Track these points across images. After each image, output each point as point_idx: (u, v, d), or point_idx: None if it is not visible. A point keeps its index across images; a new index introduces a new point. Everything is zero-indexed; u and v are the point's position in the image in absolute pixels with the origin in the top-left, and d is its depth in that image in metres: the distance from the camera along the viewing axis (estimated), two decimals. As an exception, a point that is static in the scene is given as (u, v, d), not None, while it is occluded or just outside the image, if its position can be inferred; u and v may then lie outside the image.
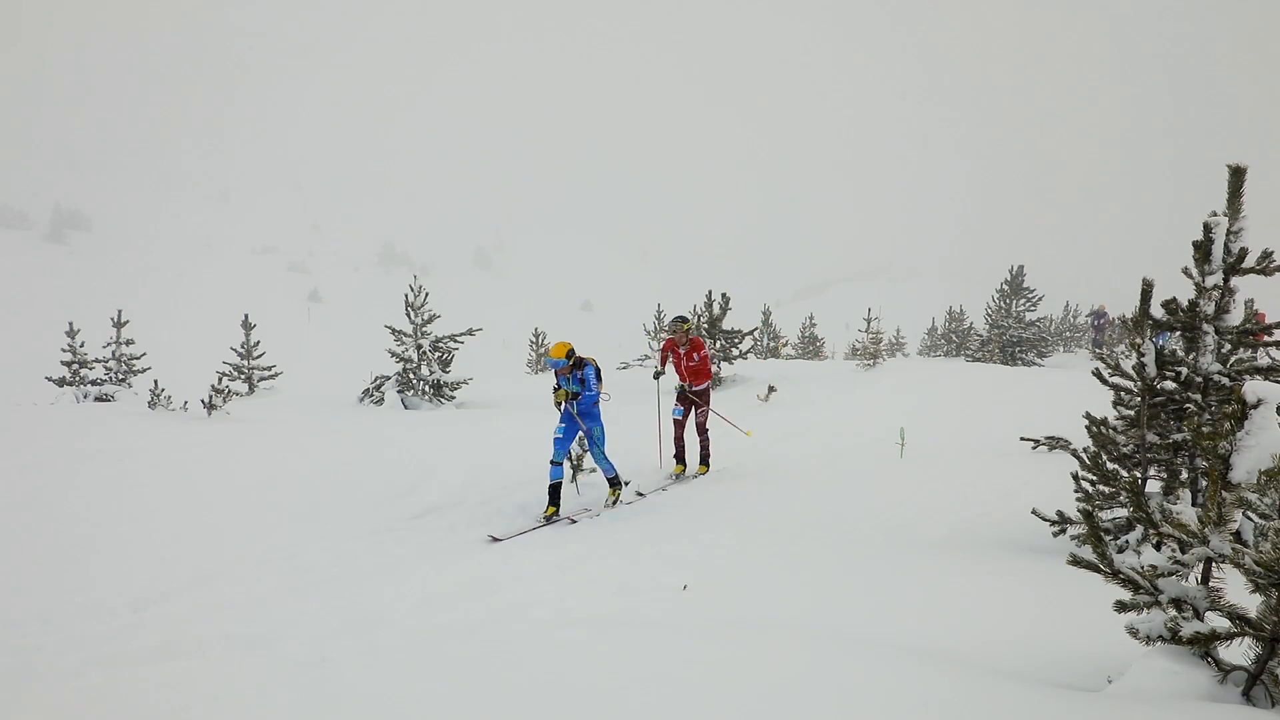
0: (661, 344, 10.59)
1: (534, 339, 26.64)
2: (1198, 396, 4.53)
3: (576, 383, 7.33)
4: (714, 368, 8.82)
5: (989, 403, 12.69)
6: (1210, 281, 4.37)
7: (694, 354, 8.72)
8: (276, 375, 18.77)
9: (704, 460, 8.84)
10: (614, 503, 7.46)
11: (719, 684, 2.65)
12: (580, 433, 7.48)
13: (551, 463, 7.17)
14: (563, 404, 7.26)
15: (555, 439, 7.25)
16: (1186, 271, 4.45)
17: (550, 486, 7.10)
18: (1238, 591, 2.51)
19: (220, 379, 15.20)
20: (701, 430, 8.77)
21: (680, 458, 8.78)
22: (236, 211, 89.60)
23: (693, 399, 8.74)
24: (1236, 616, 2.38)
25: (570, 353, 7.27)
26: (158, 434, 9.92)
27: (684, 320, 8.88)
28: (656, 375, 8.98)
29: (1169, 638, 2.44)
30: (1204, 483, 4.63)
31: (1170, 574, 2.53)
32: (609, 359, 18.20)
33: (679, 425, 8.78)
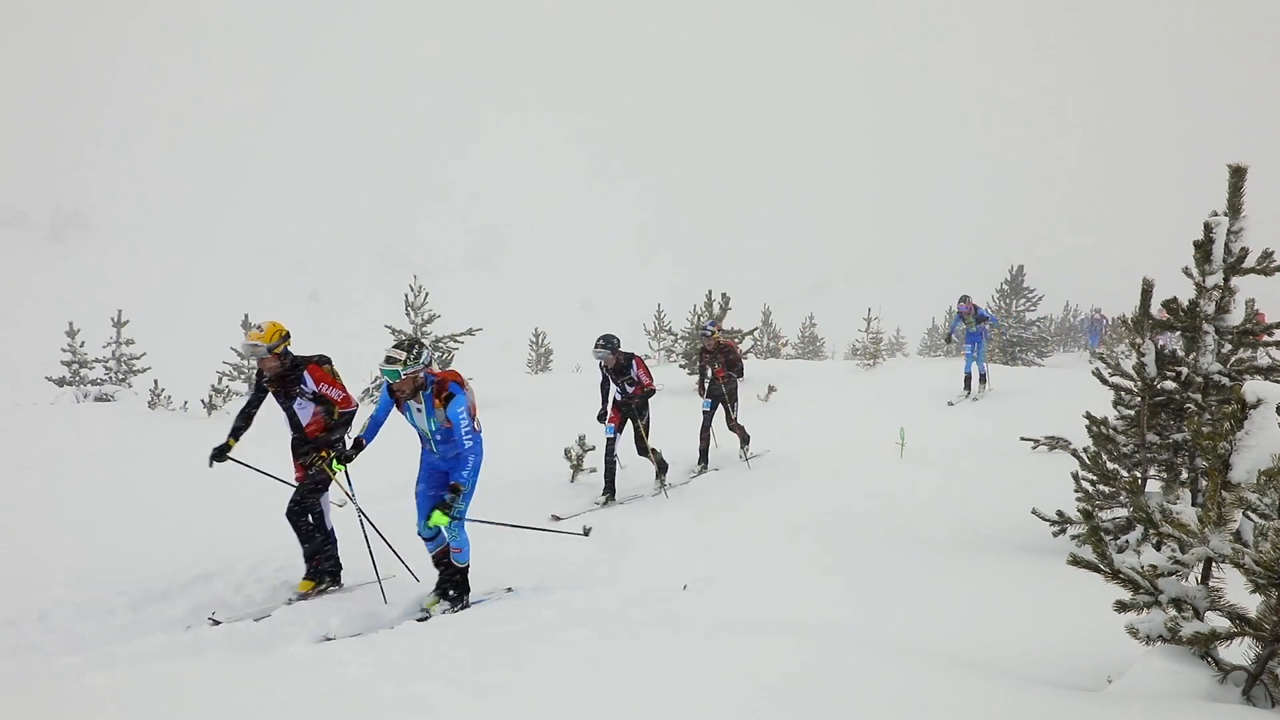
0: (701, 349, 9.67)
1: (534, 339, 26.64)
2: (1198, 396, 4.53)
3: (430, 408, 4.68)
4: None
5: (989, 402, 12.69)
6: (1210, 281, 4.37)
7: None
8: (276, 375, 18.75)
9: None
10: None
11: (718, 684, 2.65)
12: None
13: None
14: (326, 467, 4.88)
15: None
16: (1187, 271, 4.45)
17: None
18: (1238, 591, 2.50)
19: (220, 379, 15.21)
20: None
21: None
22: (236, 211, 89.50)
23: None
24: (1236, 616, 2.38)
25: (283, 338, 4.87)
26: (157, 434, 9.93)
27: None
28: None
29: (1169, 638, 2.44)
30: (1204, 483, 4.63)
31: (1170, 574, 2.53)
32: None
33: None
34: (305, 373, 4.92)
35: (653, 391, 7.89)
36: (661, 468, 8.07)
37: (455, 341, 14.80)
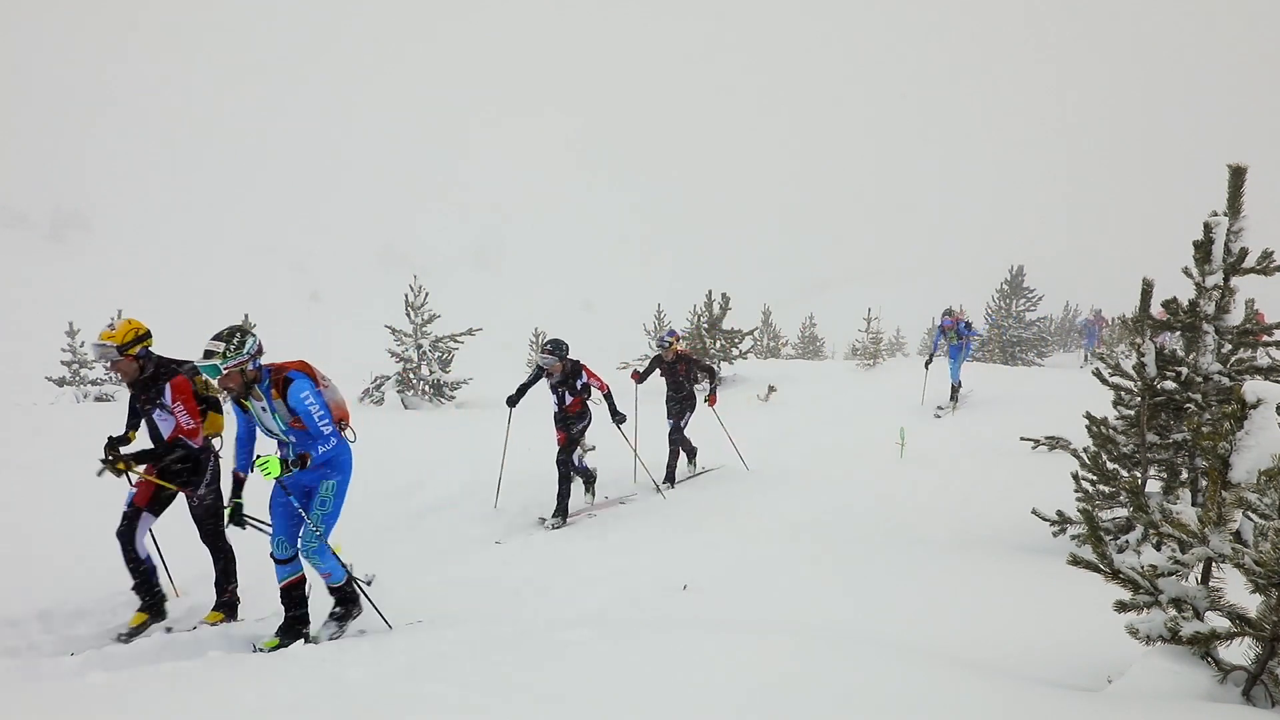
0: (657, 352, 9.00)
1: (534, 339, 26.67)
2: (1198, 396, 4.53)
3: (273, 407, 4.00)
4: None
5: (988, 403, 12.69)
6: (1210, 281, 4.37)
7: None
8: (276, 375, 18.75)
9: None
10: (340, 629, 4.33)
11: (718, 684, 2.65)
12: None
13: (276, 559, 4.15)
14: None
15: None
16: (1187, 271, 4.46)
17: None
18: (1238, 591, 2.50)
19: (220, 379, 15.20)
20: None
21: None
22: (237, 212, 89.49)
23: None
24: (1236, 616, 2.38)
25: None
26: (158, 434, 9.90)
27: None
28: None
29: (1169, 638, 2.44)
30: (1204, 483, 4.63)
31: (1170, 574, 2.53)
32: (610, 359, 18.13)
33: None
34: (167, 385, 4.27)
35: (609, 392, 7.47)
36: (564, 494, 7.25)
37: (455, 341, 14.81)
